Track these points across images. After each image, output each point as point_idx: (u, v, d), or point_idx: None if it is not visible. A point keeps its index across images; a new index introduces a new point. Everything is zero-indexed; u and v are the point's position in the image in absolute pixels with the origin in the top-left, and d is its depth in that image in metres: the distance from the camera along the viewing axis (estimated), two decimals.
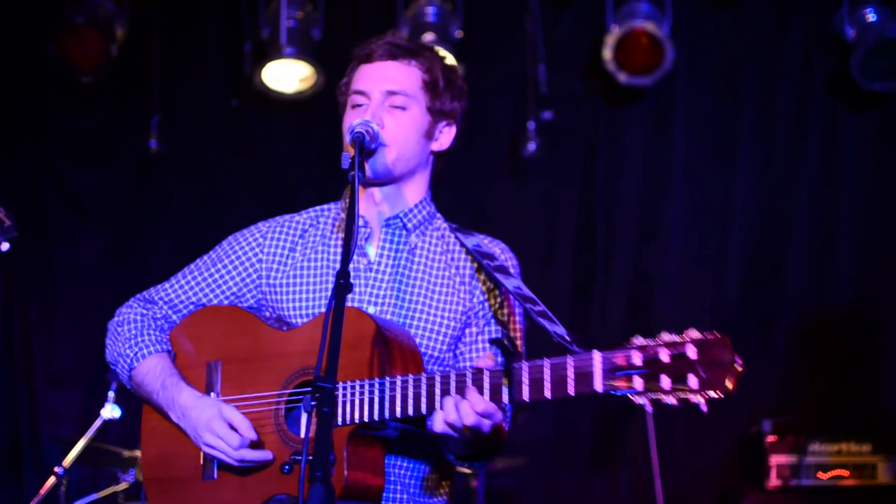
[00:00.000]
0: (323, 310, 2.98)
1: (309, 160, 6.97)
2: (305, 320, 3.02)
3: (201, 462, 3.02)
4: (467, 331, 3.09)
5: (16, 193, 6.93)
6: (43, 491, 5.07)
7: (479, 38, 6.92)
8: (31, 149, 6.98)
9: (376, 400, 2.75)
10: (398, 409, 2.74)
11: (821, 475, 6.04)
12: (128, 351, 3.12)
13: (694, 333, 2.49)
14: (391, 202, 3.09)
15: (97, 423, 5.18)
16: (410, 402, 2.73)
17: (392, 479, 2.97)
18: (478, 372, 2.68)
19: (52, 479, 5.07)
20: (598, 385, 2.53)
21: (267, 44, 6.73)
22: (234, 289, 3.16)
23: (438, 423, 2.68)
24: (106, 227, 7.05)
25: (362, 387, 2.77)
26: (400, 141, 3.00)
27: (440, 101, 3.09)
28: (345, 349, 2.63)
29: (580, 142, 7.12)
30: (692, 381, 2.45)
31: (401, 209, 3.10)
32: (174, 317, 3.20)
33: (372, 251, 3.08)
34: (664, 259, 7.03)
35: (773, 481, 6.05)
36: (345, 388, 2.78)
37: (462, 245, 3.14)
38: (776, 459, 6.07)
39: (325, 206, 3.23)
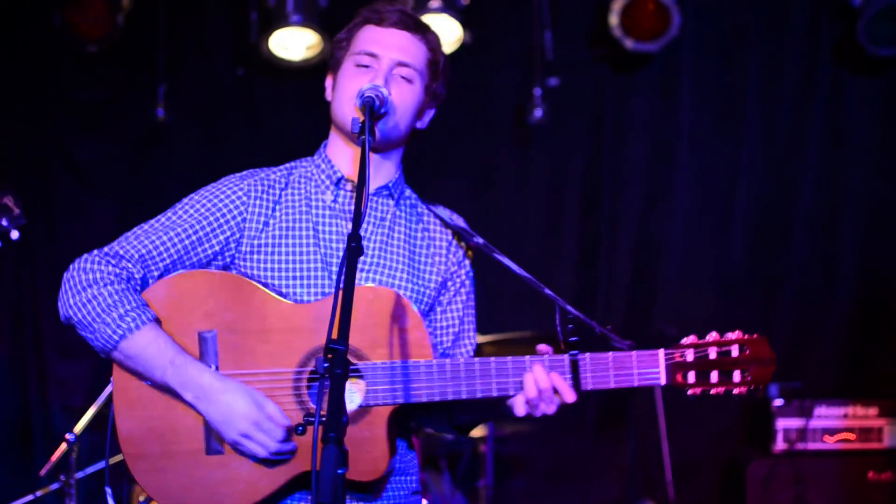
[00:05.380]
0: (303, 275, 2.97)
1: (315, 128, 6.88)
2: (284, 283, 2.96)
3: (203, 435, 2.87)
4: (442, 298, 3.16)
5: (22, 165, 6.91)
6: (54, 458, 5.07)
7: (486, 5, 6.88)
8: (37, 120, 6.94)
9: (448, 386, 2.87)
10: (463, 393, 2.87)
11: (827, 439, 6.07)
12: (115, 319, 2.83)
13: (737, 334, 2.88)
14: (376, 171, 3.10)
15: (108, 389, 5.18)
16: (479, 385, 2.86)
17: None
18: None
19: (63, 446, 5.07)
20: (663, 379, 2.89)
21: (273, 11, 6.68)
22: (217, 248, 2.99)
23: (521, 408, 2.86)
24: (112, 197, 7.02)
25: (417, 366, 2.87)
26: (400, 111, 3.00)
27: (436, 83, 3.13)
28: (381, 328, 2.83)
29: (586, 108, 7.11)
30: (736, 375, 2.89)
31: (386, 179, 3.13)
32: (149, 277, 2.93)
33: None
34: (671, 226, 7.03)
35: (780, 445, 6.09)
36: (388, 367, 2.86)
37: (437, 217, 3.20)
38: (783, 423, 6.10)
39: (293, 164, 3.22)
